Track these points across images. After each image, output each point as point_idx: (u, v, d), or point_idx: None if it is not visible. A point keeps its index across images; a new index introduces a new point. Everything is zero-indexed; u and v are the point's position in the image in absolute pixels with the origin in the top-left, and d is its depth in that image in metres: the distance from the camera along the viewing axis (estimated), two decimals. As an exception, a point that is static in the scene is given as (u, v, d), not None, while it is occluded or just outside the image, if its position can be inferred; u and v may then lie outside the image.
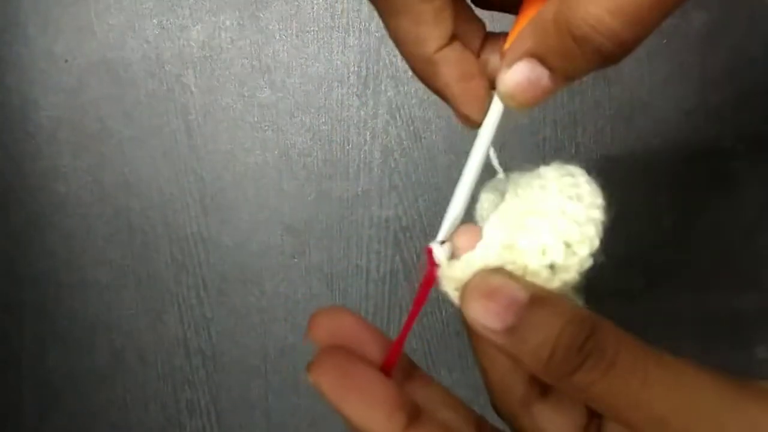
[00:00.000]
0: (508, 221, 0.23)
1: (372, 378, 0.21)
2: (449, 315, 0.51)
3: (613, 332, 0.20)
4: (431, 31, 0.24)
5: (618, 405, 0.20)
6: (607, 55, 0.22)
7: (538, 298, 0.20)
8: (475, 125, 0.25)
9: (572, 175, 0.23)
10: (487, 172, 0.25)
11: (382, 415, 0.20)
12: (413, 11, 0.24)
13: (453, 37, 0.25)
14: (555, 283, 0.22)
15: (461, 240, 0.24)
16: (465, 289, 0.21)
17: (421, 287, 0.23)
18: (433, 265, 0.23)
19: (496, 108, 0.24)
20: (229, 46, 0.52)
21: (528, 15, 0.24)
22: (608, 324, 0.21)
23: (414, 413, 0.21)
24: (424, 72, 0.25)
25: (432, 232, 0.26)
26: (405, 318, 0.52)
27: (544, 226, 0.22)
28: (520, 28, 0.24)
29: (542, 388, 0.24)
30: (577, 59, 0.22)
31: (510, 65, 0.23)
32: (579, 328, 0.20)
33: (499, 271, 0.22)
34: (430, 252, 0.23)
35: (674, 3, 0.21)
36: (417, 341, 0.51)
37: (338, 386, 0.21)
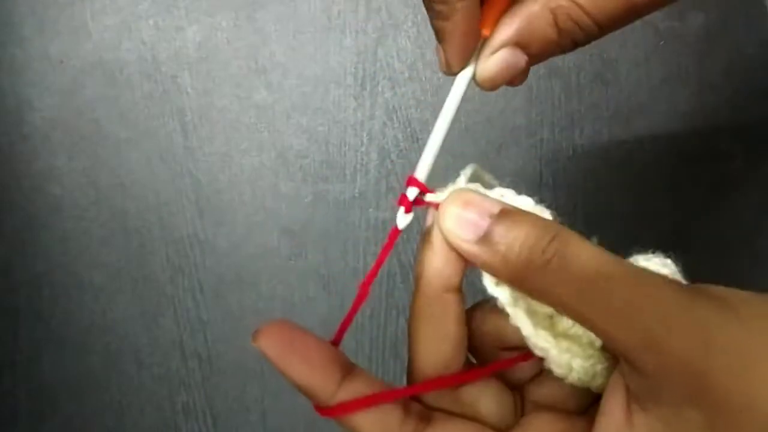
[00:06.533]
0: None
1: (310, 342, 0.23)
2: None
3: (574, 237, 0.22)
4: None
5: (578, 305, 0.21)
6: (578, 43, 0.26)
7: (507, 210, 0.23)
8: (451, 74, 0.27)
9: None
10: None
11: (319, 372, 0.23)
12: None
13: None
14: None
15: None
16: (442, 205, 0.24)
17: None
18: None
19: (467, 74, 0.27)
20: (225, 47, 0.52)
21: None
22: (571, 231, 0.22)
23: (348, 368, 0.24)
24: (440, 9, 0.26)
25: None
26: (403, 319, 0.52)
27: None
28: (496, 10, 0.26)
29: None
30: (554, 46, 0.26)
31: (494, 52, 0.26)
32: (543, 231, 0.22)
33: (472, 189, 0.24)
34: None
35: (645, 6, 0.25)
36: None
37: (281, 350, 0.23)
